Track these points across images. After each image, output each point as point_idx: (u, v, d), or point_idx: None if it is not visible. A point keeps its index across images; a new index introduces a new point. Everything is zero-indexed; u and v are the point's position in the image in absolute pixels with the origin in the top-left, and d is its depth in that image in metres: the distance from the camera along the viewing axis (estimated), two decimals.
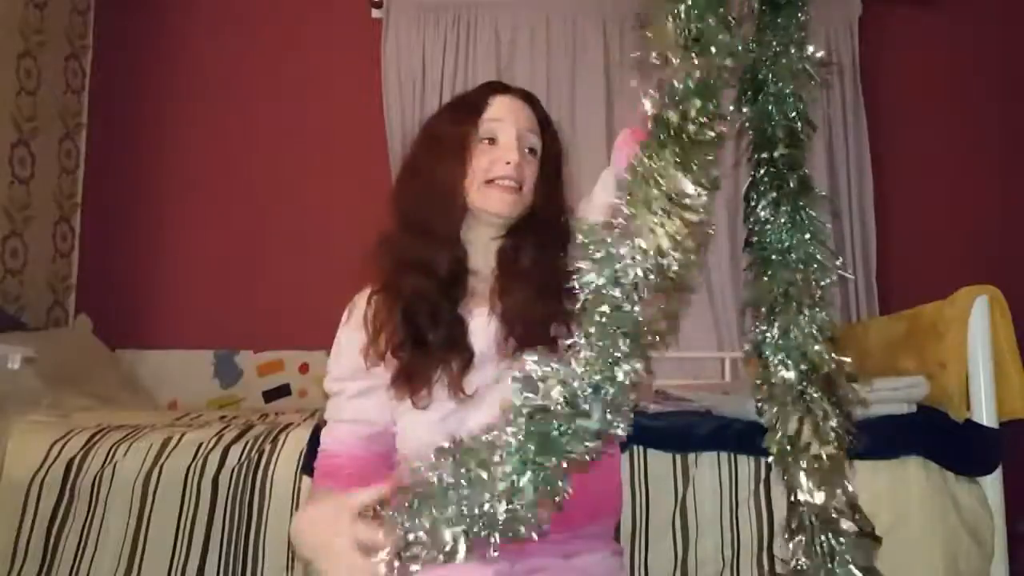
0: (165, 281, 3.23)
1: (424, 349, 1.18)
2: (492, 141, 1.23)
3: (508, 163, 1.20)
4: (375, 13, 3.31)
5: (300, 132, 3.28)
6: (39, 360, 2.28)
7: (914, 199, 3.26)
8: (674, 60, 0.77)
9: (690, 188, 0.75)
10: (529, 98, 1.30)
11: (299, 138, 3.28)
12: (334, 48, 3.32)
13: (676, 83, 0.76)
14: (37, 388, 2.26)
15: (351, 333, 1.24)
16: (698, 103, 0.75)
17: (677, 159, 0.75)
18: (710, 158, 0.76)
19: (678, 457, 1.55)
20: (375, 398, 1.21)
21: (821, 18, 3.27)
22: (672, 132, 0.76)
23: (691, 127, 0.76)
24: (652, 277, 0.75)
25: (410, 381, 1.17)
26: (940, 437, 1.52)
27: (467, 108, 1.26)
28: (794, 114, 0.88)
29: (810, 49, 0.89)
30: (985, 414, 1.52)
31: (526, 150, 1.24)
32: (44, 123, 3.06)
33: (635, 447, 1.55)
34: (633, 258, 0.75)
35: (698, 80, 0.75)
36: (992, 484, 1.52)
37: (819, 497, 0.83)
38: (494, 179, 1.21)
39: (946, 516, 1.47)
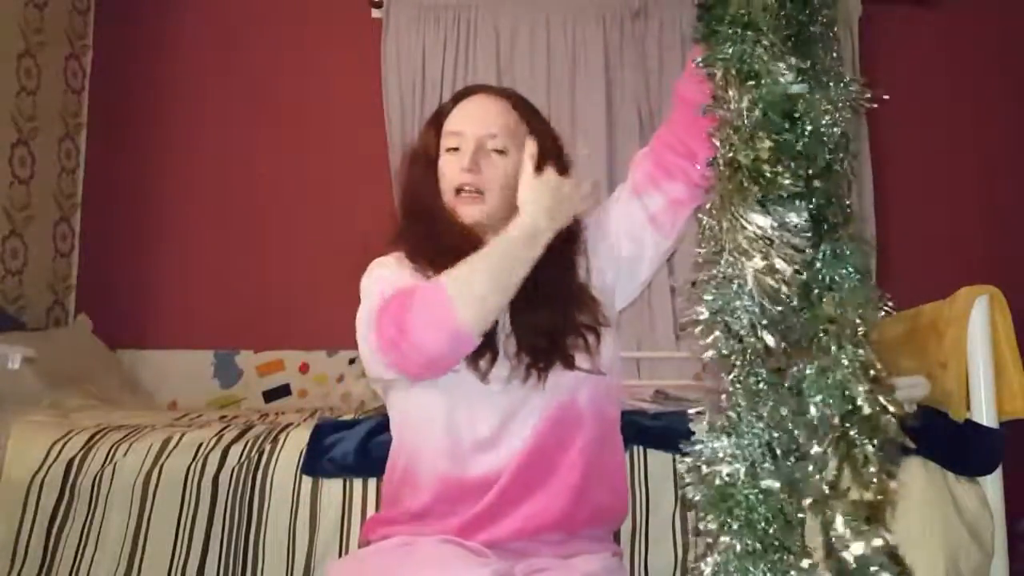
0: (165, 281, 3.23)
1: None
2: (455, 150, 1.25)
3: (463, 170, 1.22)
4: (375, 13, 3.31)
5: (300, 132, 3.28)
6: (39, 360, 2.28)
7: (914, 199, 3.25)
8: (733, 97, 0.75)
9: (793, 217, 0.73)
10: (507, 95, 1.30)
11: (299, 138, 3.28)
12: (334, 48, 3.32)
13: (742, 121, 0.74)
14: (37, 388, 2.26)
15: (394, 266, 1.26)
16: (766, 143, 0.73)
17: (759, 202, 0.73)
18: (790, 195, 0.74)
19: (678, 457, 1.55)
20: None
21: None
22: (749, 175, 0.74)
23: (766, 167, 0.73)
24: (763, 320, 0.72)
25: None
26: (940, 437, 1.52)
27: (434, 118, 1.31)
28: (833, 146, 0.83)
29: (848, 80, 0.85)
30: (985, 414, 1.52)
31: (491, 152, 1.24)
32: (44, 123, 3.06)
33: (635, 447, 1.55)
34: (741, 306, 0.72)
35: (760, 115, 0.73)
36: (992, 484, 1.52)
37: (857, 547, 0.76)
38: (457, 189, 1.24)
39: (946, 516, 1.46)
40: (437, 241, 1.21)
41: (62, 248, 3.18)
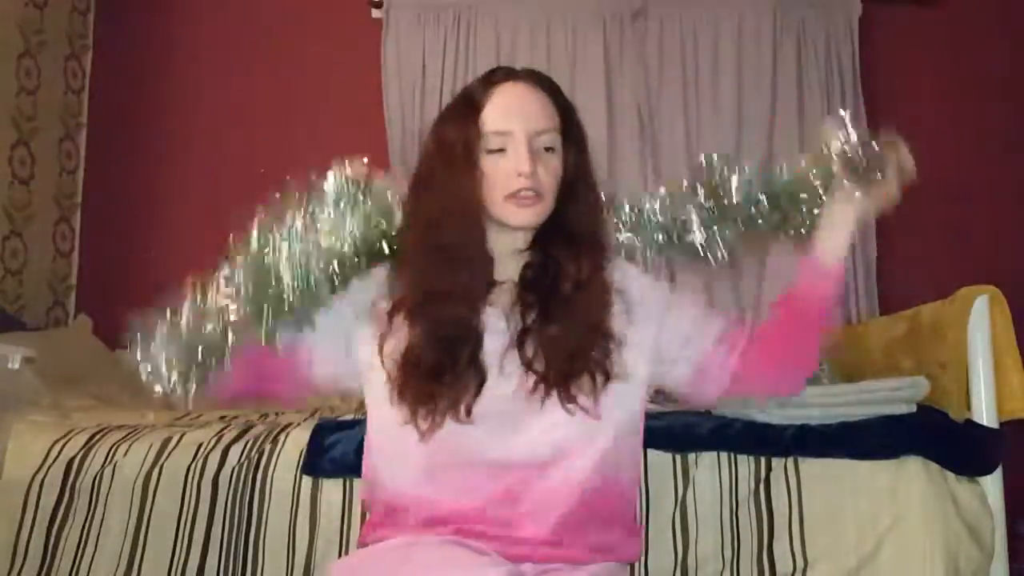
0: (165, 281, 3.22)
1: (441, 375, 1.10)
2: (500, 151, 1.13)
3: (520, 175, 1.11)
4: (375, 13, 3.31)
5: (300, 132, 3.28)
6: (39, 360, 2.28)
7: (914, 199, 3.24)
8: None
9: None
10: (540, 81, 1.19)
11: (299, 138, 3.28)
12: (334, 48, 3.32)
13: None
14: (37, 388, 2.25)
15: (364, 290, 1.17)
16: None
17: None
18: None
19: (678, 457, 1.55)
20: (332, 349, 1.18)
21: (821, 18, 3.27)
22: None
23: None
24: None
25: (415, 404, 1.10)
26: (940, 437, 1.52)
27: (467, 107, 1.16)
28: None
29: None
30: (985, 414, 1.52)
31: (541, 149, 1.14)
32: (44, 123, 3.06)
33: None
34: None
35: None
36: (992, 484, 1.52)
37: None
38: (512, 194, 1.11)
39: (946, 516, 1.46)
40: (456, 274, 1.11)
41: (62, 248, 3.18)
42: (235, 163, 3.28)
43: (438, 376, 1.10)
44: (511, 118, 1.13)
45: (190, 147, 3.30)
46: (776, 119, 3.20)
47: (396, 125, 3.21)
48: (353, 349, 1.18)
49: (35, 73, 3.01)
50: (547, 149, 1.15)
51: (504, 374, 1.12)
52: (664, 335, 1.19)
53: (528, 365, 1.12)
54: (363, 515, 1.55)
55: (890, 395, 1.55)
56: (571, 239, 1.16)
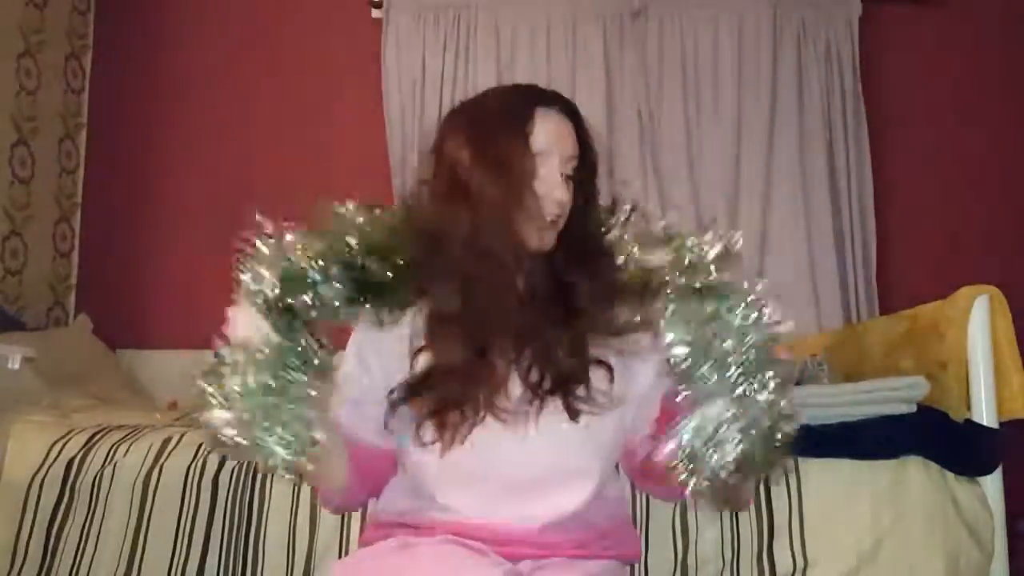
0: (165, 281, 3.23)
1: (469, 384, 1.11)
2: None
3: (558, 202, 1.13)
4: (375, 13, 3.31)
5: (300, 132, 3.28)
6: (39, 360, 2.28)
7: (914, 199, 3.25)
8: None
9: None
10: (568, 108, 1.21)
11: (299, 138, 3.28)
12: (334, 48, 3.32)
13: None
14: (37, 388, 2.26)
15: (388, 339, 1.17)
16: None
17: None
18: None
19: None
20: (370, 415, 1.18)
21: (821, 18, 3.27)
22: None
23: None
24: None
25: (446, 415, 1.10)
26: (940, 437, 1.52)
27: (514, 122, 1.14)
28: None
29: None
30: (985, 414, 1.52)
31: (565, 176, 1.16)
32: (44, 123, 3.06)
33: None
34: None
35: None
36: (992, 484, 1.52)
37: None
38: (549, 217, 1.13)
39: (946, 516, 1.47)
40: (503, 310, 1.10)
41: (62, 248, 3.18)
42: (235, 163, 3.28)
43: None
44: (552, 142, 1.15)
45: (190, 147, 3.30)
46: (776, 119, 3.20)
47: (396, 125, 3.21)
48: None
49: (35, 73, 3.01)
50: (568, 178, 1.17)
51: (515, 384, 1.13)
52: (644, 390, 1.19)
53: (540, 379, 1.13)
54: (363, 515, 1.55)
55: (890, 395, 1.55)
56: (582, 258, 1.16)
